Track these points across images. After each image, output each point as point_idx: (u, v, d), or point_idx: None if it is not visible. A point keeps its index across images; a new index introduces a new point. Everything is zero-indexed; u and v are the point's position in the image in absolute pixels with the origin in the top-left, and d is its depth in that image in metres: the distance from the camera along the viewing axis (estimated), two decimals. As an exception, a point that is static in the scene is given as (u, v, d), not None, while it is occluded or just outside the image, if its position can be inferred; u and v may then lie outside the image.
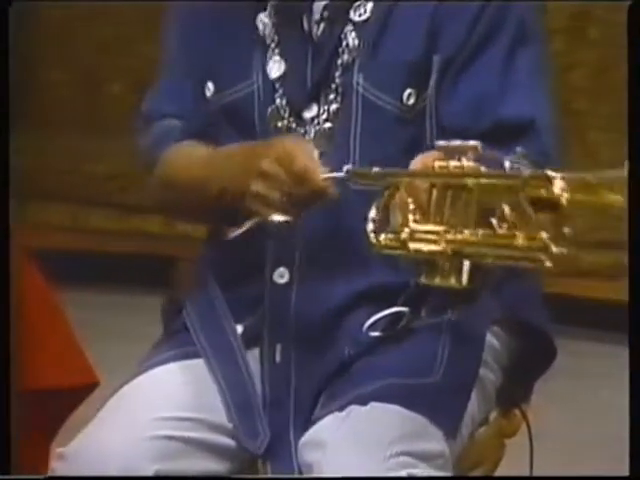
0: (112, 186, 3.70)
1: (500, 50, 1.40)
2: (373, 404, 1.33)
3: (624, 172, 1.07)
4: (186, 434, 1.36)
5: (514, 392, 1.49)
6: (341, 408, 1.34)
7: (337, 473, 1.28)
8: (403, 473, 1.28)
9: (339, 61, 1.41)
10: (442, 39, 1.39)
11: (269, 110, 1.42)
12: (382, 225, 1.28)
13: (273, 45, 1.43)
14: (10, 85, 1.34)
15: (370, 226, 1.28)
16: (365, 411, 1.32)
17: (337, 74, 1.41)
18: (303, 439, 1.35)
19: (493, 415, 1.49)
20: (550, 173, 1.14)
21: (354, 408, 1.33)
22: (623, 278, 3.56)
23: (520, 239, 1.15)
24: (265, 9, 1.43)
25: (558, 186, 1.13)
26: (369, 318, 1.39)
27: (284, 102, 1.42)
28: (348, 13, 1.41)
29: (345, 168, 1.33)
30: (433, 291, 1.39)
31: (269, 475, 1.36)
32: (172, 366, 1.42)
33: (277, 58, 1.43)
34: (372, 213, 1.28)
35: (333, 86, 1.41)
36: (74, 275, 3.06)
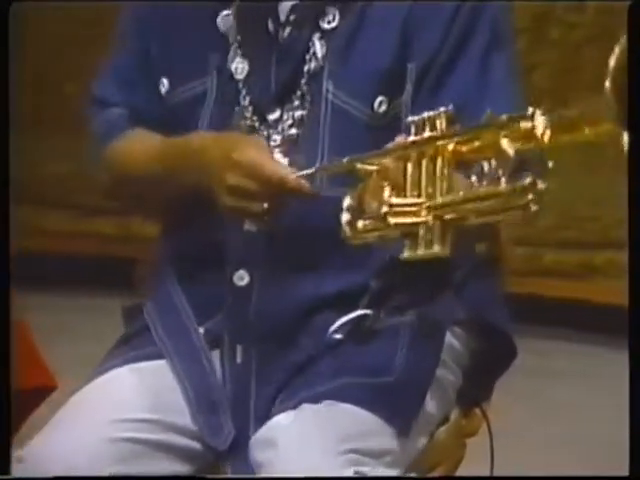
0: (71, 187, 3.68)
1: (475, 56, 1.40)
2: (325, 402, 1.33)
3: (605, 102, 1.04)
4: (146, 436, 1.35)
5: (474, 391, 1.50)
6: (294, 406, 1.34)
7: (287, 472, 1.28)
8: (351, 470, 1.28)
9: (306, 68, 1.40)
10: (416, 47, 1.39)
11: (236, 109, 1.42)
12: (358, 215, 1.26)
13: (236, 45, 1.43)
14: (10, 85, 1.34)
15: (345, 217, 1.26)
16: (316, 409, 1.33)
17: (303, 81, 1.40)
18: (254, 438, 1.35)
19: (453, 415, 1.49)
20: (531, 110, 1.11)
21: (305, 406, 1.33)
22: (588, 277, 3.61)
23: (503, 185, 1.11)
24: (228, 8, 1.42)
25: (540, 122, 1.10)
26: (330, 320, 1.39)
27: (247, 103, 1.42)
28: (316, 19, 1.40)
29: (317, 164, 1.34)
30: (394, 292, 1.41)
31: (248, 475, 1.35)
32: (132, 367, 1.41)
33: (240, 59, 1.42)
34: (347, 203, 1.27)
35: (299, 93, 1.40)
36: (33, 277, 3.04)
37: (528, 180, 1.10)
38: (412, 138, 1.21)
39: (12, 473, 1.34)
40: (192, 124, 1.43)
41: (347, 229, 1.26)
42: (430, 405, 1.40)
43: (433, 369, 1.40)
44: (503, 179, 1.11)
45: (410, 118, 1.23)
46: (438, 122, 1.20)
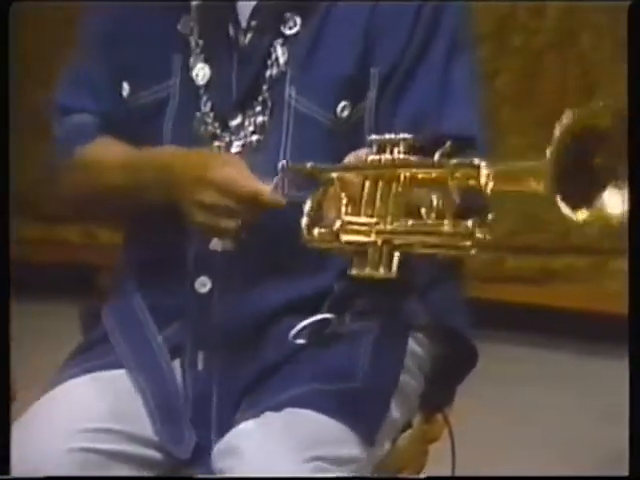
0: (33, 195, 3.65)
1: (437, 62, 1.41)
2: (288, 410, 1.33)
3: (546, 162, 1.10)
4: (105, 446, 1.34)
5: (436, 397, 1.50)
6: (257, 414, 1.34)
7: None
8: None
9: (267, 74, 1.40)
10: (378, 52, 1.39)
11: (196, 115, 1.41)
12: (316, 220, 1.29)
13: (198, 50, 1.42)
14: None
15: (305, 220, 1.28)
16: (279, 417, 1.32)
17: (265, 87, 1.40)
18: (217, 446, 1.34)
19: (416, 420, 1.49)
20: (477, 161, 1.18)
21: (269, 414, 1.33)
22: (548, 283, 3.62)
23: (446, 226, 1.19)
24: (189, 12, 1.42)
25: (484, 174, 1.17)
26: (294, 325, 1.39)
27: (208, 108, 1.41)
28: (278, 25, 1.40)
29: (280, 165, 1.34)
30: (357, 297, 1.41)
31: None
32: (91, 377, 1.40)
33: (201, 65, 1.42)
34: (307, 207, 1.29)
35: (260, 98, 1.40)
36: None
37: (469, 226, 1.18)
38: (372, 157, 1.25)
39: (12, 473, 1.32)
40: (155, 128, 1.43)
41: (305, 233, 1.29)
42: (394, 411, 1.40)
43: (397, 375, 1.41)
44: (446, 221, 1.19)
45: (373, 137, 1.27)
46: (397, 149, 1.25)
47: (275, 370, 1.38)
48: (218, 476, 1.31)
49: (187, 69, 1.42)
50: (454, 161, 1.20)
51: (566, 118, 1.09)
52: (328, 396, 1.34)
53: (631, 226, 1.20)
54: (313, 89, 1.39)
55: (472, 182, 1.18)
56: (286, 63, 1.39)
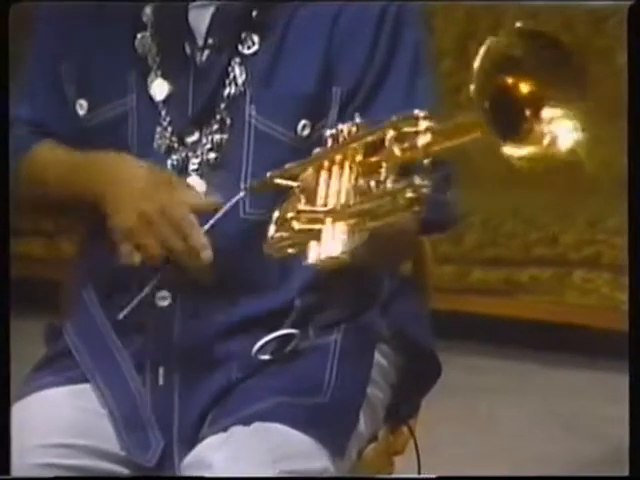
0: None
1: (400, 79, 1.41)
2: (256, 424, 1.32)
3: (477, 107, 1.05)
4: (69, 462, 1.33)
5: (402, 409, 1.50)
6: (225, 428, 1.33)
7: None
8: None
9: (225, 92, 1.40)
10: (340, 71, 1.39)
11: (157, 130, 1.41)
12: (280, 228, 1.27)
13: (155, 66, 1.42)
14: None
15: (271, 229, 1.27)
16: (248, 431, 1.32)
17: (222, 105, 1.40)
18: (186, 460, 1.34)
19: (381, 432, 1.49)
20: (417, 113, 1.14)
21: (237, 428, 1.32)
22: (513, 294, 3.64)
23: (389, 183, 1.15)
24: (145, 29, 1.42)
25: (423, 125, 1.13)
26: (257, 340, 1.38)
27: (167, 124, 1.41)
28: (235, 44, 1.40)
29: (242, 186, 1.34)
30: (320, 311, 1.41)
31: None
32: (55, 391, 1.39)
33: (159, 80, 1.42)
34: (274, 217, 1.28)
35: (218, 117, 1.40)
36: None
37: (409, 179, 1.13)
38: (325, 148, 1.24)
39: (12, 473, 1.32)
40: (115, 144, 1.42)
41: (269, 242, 1.27)
42: (361, 424, 1.40)
43: (364, 387, 1.41)
44: (389, 179, 1.15)
45: (328, 131, 1.25)
46: (349, 131, 1.23)
47: (240, 384, 1.38)
48: (216, 476, 1.30)
49: (145, 84, 1.42)
50: (394, 117, 1.17)
51: (481, 49, 1.04)
52: (296, 410, 1.34)
53: (631, 240, 1.20)
54: (273, 108, 1.39)
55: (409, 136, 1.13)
56: (244, 82, 1.39)
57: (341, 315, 1.42)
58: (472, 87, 1.05)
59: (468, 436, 2.74)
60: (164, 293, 1.40)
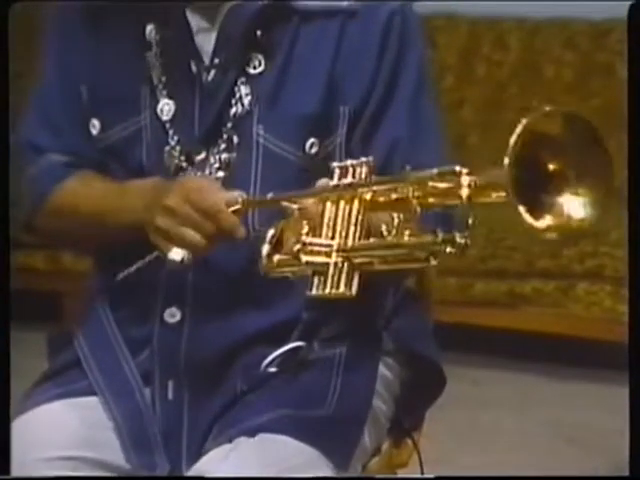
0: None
1: (406, 97, 1.42)
2: (261, 435, 1.33)
3: (505, 171, 1.10)
4: (76, 474, 1.33)
5: (405, 421, 1.50)
6: (230, 440, 1.33)
7: None
8: None
9: (232, 112, 1.40)
10: (346, 90, 1.40)
11: (165, 149, 1.42)
12: (277, 248, 1.29)
13: (161, 86, 1.42)
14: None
15: (266, 248, 1.29)
16: (253, 442, 1.32)
17: (229, 124, 1.40)
18: (190, 471, 1.34)
19: (385, 445, 1.49)
20: (457, 168, 1.16)
21: (242, 440, 1.33)
22: (516, 306, 3.65)
23: (406, 237, 1.18)
24: (150, 48, 1.42)
25: (465, 184, 1.15)
26: (263, 353, 1.39)
27: (175, 143, 1.42)
28: (241, 64, 1.40)
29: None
30: (325, 324, 1.42)
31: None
32: (62, 403, 1.40)
33: (166, 100, 1.42)
34: (269, 235, 1.29)
35: (225, 136, 1.40)
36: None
37: (429, 238, 1.17)
38: (333, 182, 1.26)
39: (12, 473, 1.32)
40: (128, 164, 1.43)
41: (265, 261, 1.29)
42: (365, 436, 1.40)
43: (369, 400, 1.41)
44: (407, 232, 1.19)
45: (335, 164, 1.26)
46: (359, 170, 1.25)
47: (245, 397, 1.38)
48: (217, 476, 1.31)
49: (155, 103, 1.42)
50: (434, 170, 1.19)
51: (519, 126, 1.10)
52: (300, 422, 1.34)
53: (631, 250, 1.22)
54: (281, 127, 1.39)
55: (443, 191, 1.17)
56: (251, 102, 1.40)
57: (346, 328, 1.43)
58: (506, 160, 1.10)
59: (471, 448, 2.75)
60: (173, 310, 1.41)
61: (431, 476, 1.45)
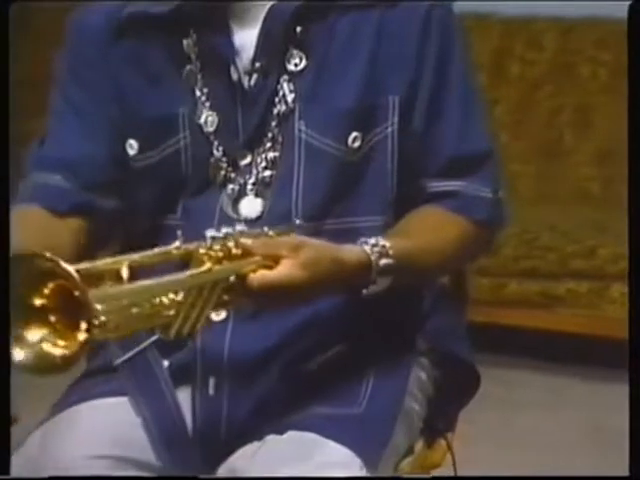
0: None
1: (457, 84, 1.43)
2: (290, 433, 1.33)
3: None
4: (110, 473, 1.33)
5: (439, 422, 1.50)
6: (259, 437, 1.34)
7: None
8: None
9: (275, 111, 1.40)
10: (390, 81, 1.40)
11: (211, 161, 1.42)
12: None
13: (204, 98, 1.42)
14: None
15: None
16: (281, 440, 1.33)
17: (273, 124, 1.41)
18: (220, 470, 1.34)
19: (418, 445, 1.49)
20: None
21: (272, 437, 1.33)
22: (550, 307, 3.63)
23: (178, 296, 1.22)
24: (190, 61, 1.42)
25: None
26: (303, 352, 1.39)
27: (221, 154, 1.42)
28: (283, 64, 1.40)
29: (292, 202, 1.36)
30: (359, 323, 1.41)
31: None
32: (94, 403, 1.40)
33: (208, 112, 1.42)
34: None
35: (269, 135, 1.41)
36: None
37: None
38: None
39: (12, 473, 1.32)
40: (167, 182, 1.43)
41: None
42: (397, 436, 1.40)
43: (401, 400, 1.41)
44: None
45: (209, 233, 1.25)
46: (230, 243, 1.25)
47: (277, 394, 1.38)
48: (219, 476, 1.31)
49: (194, 119, 1.42)
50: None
51: None
52: (332, 420, 1.34)
53: (631, 249, 1.21)
54: (322, 122, 1.40)
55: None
56: (294, 99, 1.40)
57: (380, 327, 1.42)
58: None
59: (505, 450, 2.74)
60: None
61: (429, 476, 1.44)
